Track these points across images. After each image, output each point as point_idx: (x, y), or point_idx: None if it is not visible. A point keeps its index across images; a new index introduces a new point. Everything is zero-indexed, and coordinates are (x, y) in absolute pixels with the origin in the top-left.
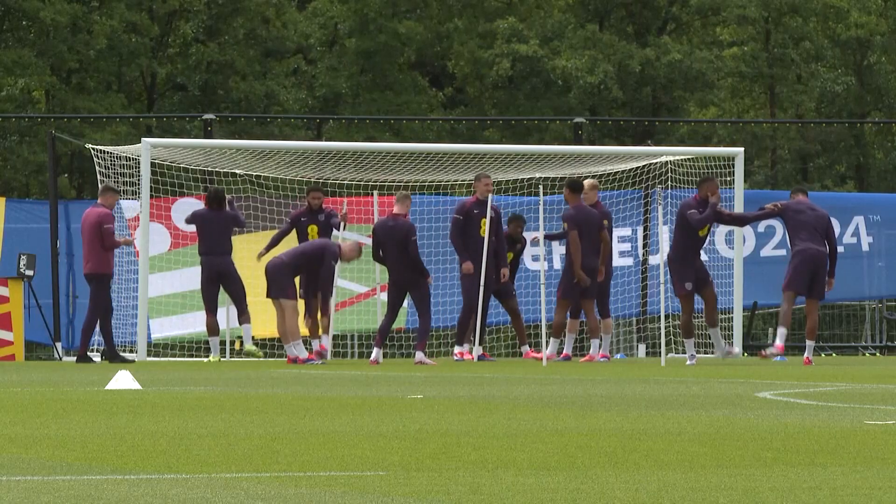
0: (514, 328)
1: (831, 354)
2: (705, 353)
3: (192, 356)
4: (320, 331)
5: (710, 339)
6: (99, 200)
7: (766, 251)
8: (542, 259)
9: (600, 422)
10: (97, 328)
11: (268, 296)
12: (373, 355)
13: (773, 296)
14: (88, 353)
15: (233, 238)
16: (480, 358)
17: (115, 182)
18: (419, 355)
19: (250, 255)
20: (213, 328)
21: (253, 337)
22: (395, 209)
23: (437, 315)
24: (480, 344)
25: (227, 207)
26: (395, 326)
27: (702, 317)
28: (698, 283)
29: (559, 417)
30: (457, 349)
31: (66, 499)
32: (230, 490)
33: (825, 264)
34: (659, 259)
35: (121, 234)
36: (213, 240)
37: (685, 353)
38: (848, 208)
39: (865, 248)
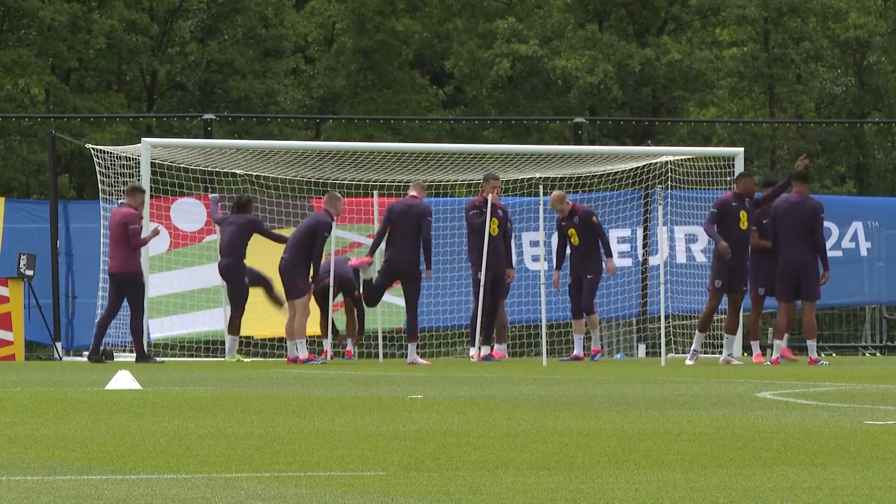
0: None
1: (831, 354)
2: (705, 352)
3: (191, 356)
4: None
5: (714, 339)
6: (125, 200)
7: None
8: (542, 259)
9: (600, 422)
10: (100, 324)
11: (287, 299)
12: (349, 346)
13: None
14: (145, 352)
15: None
16: (486, 358)
17: (115, 182)
18: (412, 353)
19: (254, 254)
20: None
21: (240, 347)
22: (413, 192)
23: (438, 315)
24: (486, 343)
25: (216, 206)
26: (393, 326)
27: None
28: (731, 285)
29: (559, 417)
30: (496, 349)
31: (66, 499)
32: (230, 490)
33: (809, 269)
34: (659, 260)
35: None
36: (224, 242)
37: (690, 347)
38: (846, 213)
39: (864, 252)
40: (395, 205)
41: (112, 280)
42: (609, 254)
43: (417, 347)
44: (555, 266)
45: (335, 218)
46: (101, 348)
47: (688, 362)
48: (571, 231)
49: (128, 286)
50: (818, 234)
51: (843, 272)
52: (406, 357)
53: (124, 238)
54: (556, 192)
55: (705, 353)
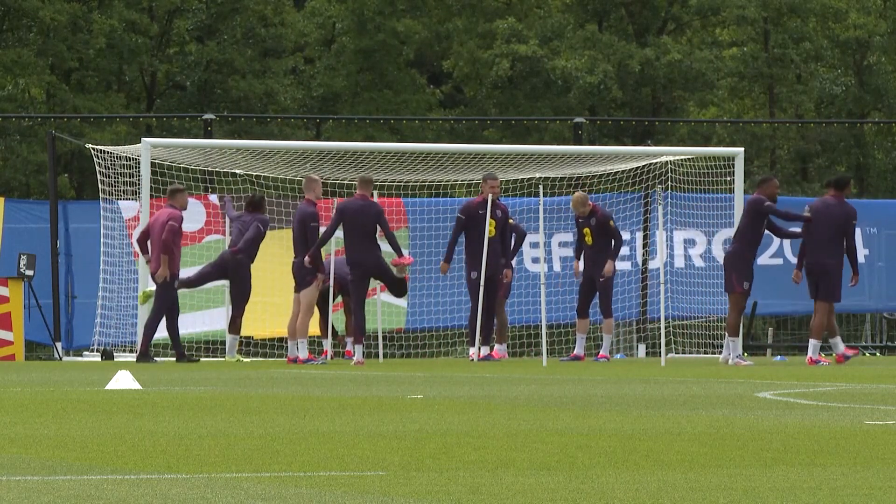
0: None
1: (831, 354)
2: (704, 352)
3: (191, 356)
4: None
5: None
6: (170, 202)
7: (764, 259)
8: (542, 261)
9: (600, 422)
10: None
11: (295, 292)
12: (356, 356)
13: (769, 299)
14: (148, 352)
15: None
16: (486, 357)
17: (115, 182)
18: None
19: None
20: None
21: (240, 347)
22: (360, 191)
23: (438, 315)
24: (486, 344)
25: (221, 205)
26: (394, 327)
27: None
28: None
29: (559, 417)
30: (497, 348)
31: (66, 499)
32: (230, 490)
33: (829, 270)
34: (658, 263)
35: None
36: (236, 237)
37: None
38: None
39: (861, 259)
40: (347, 205)
41: (154, 280)
42: (613, 257)
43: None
44: (574, 256)
45: (317, 201)
46: (183, 346)
47: (731, 362)
48: (587, 230)
49: (160, 285)
50: (851, 239)
51: (843, 279)
52: (384, 357)
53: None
54: (578, 194)
55: (705, 352)
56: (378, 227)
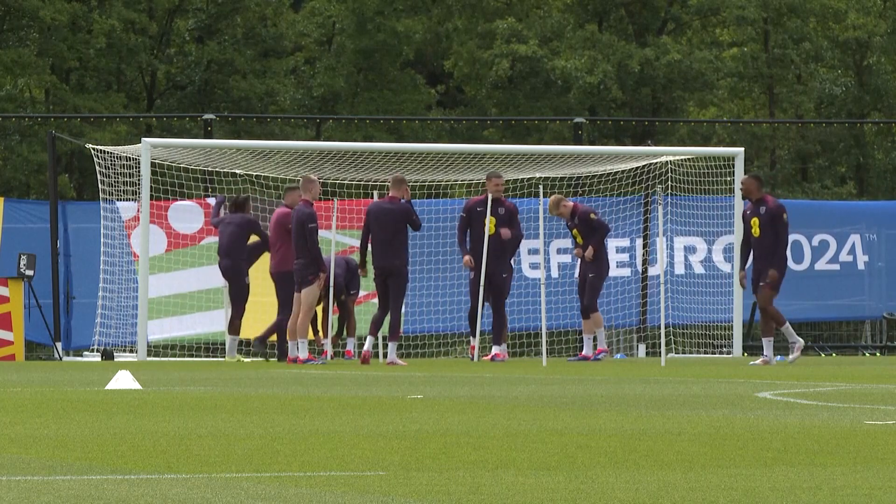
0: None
1: (831, 354)
2: (704, 352)
3: (191, 356)
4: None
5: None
6: (284, 201)
7: None
8: (541, 266)
9: (600, 422)
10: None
11: (297, 292)
12: (366, 345)
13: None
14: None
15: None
16: (493, 358)
17: (115, 182)
18: (392, 353)
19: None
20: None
21: (240, 347)
22: (392, 192)
23: (438, 316)
24: (497, 343)
25: (217, 209)
26: None
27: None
28: (753, 285)
29: (559, 417)
30: (495, 349)
31: (66, 499)
32: (230, 490)
33: None
34: (658, 269)
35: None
36: (223, 243)
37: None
38: (845, 221)
39: (861, 266)
40: (374, 206)
41: (273, 279)
42: (595, 243)
43: (399, 347)
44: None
45: (314, 202)
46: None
47: (751, 362)
48: (575, 232)
49: (279, 284)
50: None
51: (843, 286)
52: (386, 357)
53: (283, 236)
54: (552, 198)
55: (704, 352)
56: (408, 228)
